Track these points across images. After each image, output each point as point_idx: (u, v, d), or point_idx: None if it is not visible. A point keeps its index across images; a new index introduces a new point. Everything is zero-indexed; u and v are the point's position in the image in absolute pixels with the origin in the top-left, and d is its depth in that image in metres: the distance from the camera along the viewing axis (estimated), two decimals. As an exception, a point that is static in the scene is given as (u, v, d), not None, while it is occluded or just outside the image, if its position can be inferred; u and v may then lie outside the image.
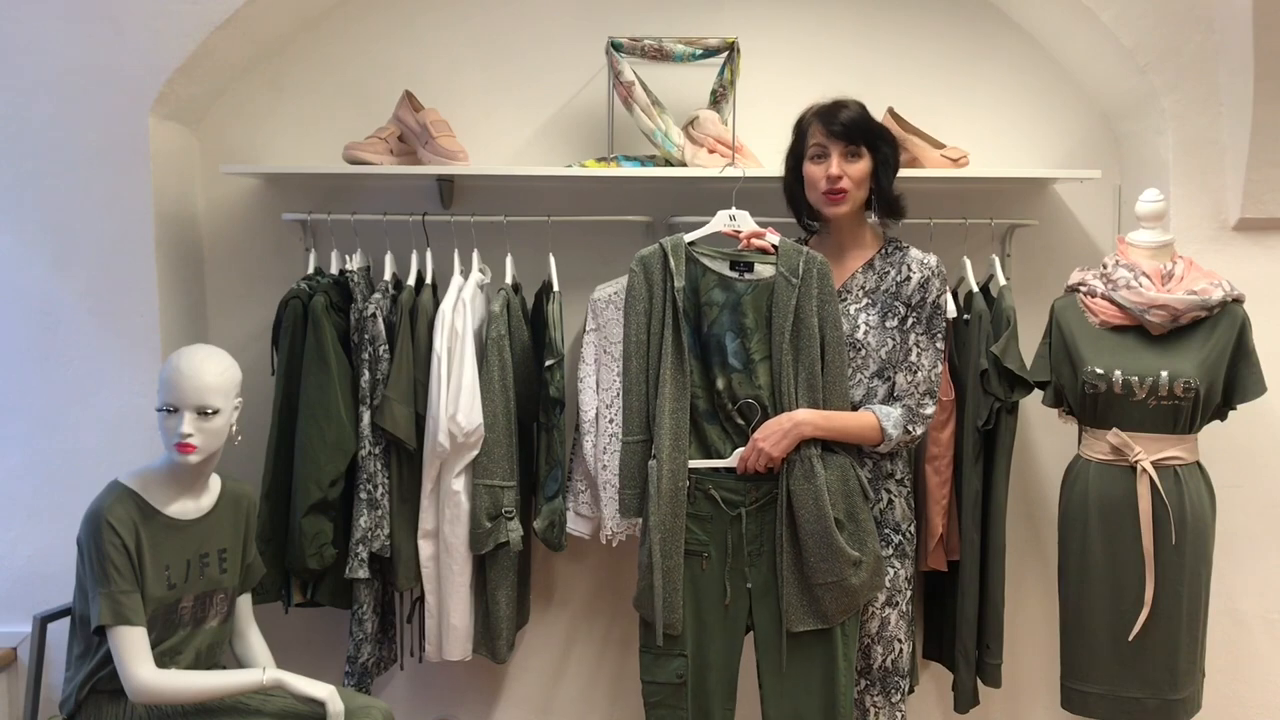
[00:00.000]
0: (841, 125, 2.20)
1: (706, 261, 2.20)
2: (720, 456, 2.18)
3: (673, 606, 2.13)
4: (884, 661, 2.28)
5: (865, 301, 2.25)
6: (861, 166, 2.22)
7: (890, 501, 2.27)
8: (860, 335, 2.22)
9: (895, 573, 2.27)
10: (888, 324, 2.23)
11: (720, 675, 2.20)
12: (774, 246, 2.20)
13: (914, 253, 2.27)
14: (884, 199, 2.28)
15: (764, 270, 2.18)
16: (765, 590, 2.18)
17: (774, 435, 2.12)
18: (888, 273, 2.26)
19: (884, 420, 2.18)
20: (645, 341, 2.19)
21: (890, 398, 2.23)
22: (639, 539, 2.23)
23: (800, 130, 2.29)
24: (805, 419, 2.13)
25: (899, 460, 2.29)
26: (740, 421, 2.18)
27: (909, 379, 2.22)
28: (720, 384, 2.17)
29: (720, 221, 2.28)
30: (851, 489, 2.16)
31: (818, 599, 2.14)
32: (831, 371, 2.17)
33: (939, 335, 2.25)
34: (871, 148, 2.23)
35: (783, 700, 2.18)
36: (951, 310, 2.61)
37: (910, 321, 2.23)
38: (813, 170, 2.24)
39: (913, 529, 2.32)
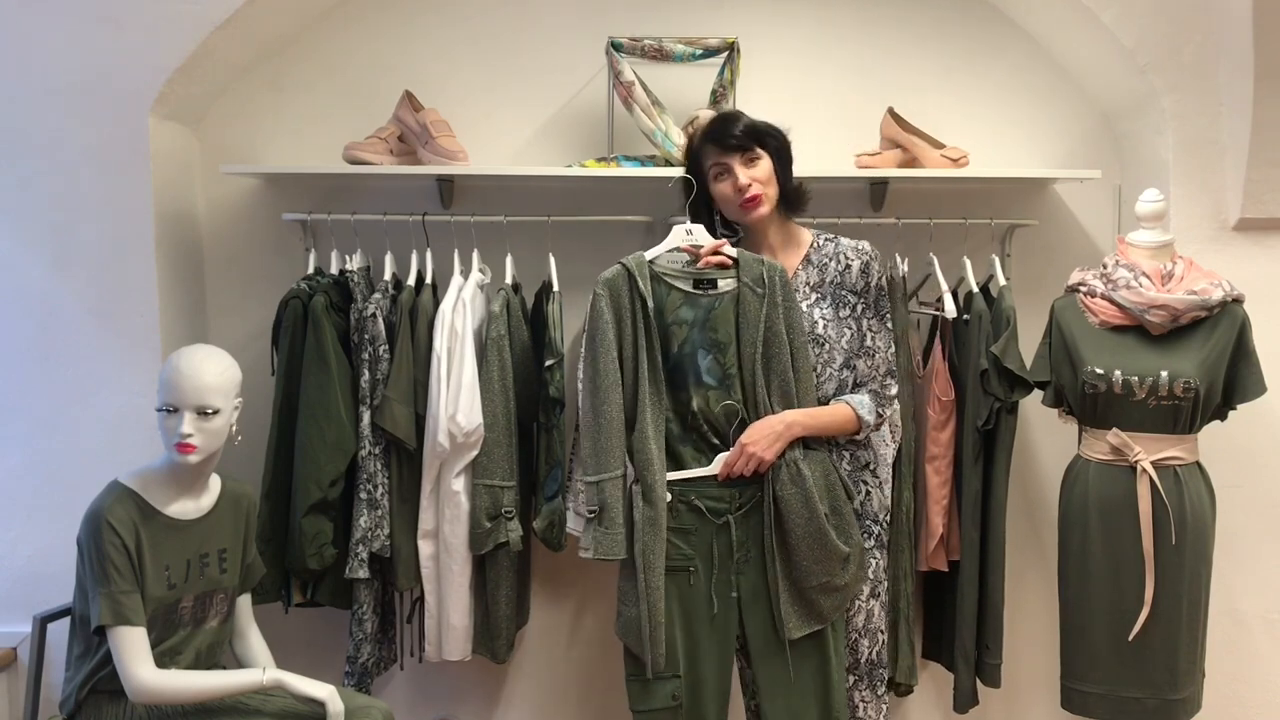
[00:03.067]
0: (735, 138, 2.22)
1: (670, 280, 2.18)
2: None
3: (658, 641, 2.09)
4: (870, 654, 2.29)
5: (815, 296, 2.26)
6: (764, 166, 2.24)
7: (868, 493, 2.29)
8: (820, 330, 2.24)
9: (876, 564, 2.29)
10: (841, 314, 2.25)
11: (714, 690, 2.16)
12: (732, 259, 2.19)
13: (845, 241, 2.30)
14: (785, 192, 2.29)
15: (725, 283, 2.17)
16: (755, 597, 2.15)
17: (766, 438, 2.11)
18: (827, 265, 2.28)
19: (859, 409, 2.20)
20: (618, 371, 2.14)
21: (855, 385, 2.25)
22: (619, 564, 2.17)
23: (693, 156, 2.30)
24: (795, 419, 2.13)
25: (871, 450, 2.30)
26: (715, 440, 2.16)
27: (869, 363, 2.24)
28: (696, 403, 2.15)
29: (677, 237, 2.24)
30: (833, 482, 2.18)
31: (811, 601, 2.14)
32: (801, 375, 2.17)
33: (887, 315, 2.28)
34: (763, 145, 2.24)
35: (779, 704, 2.17)
36: (951, 310, 2.62)
37: (860, 308, 2.25)
38: (722, 189, 2.26)
39: (889, 518, 2.34)
